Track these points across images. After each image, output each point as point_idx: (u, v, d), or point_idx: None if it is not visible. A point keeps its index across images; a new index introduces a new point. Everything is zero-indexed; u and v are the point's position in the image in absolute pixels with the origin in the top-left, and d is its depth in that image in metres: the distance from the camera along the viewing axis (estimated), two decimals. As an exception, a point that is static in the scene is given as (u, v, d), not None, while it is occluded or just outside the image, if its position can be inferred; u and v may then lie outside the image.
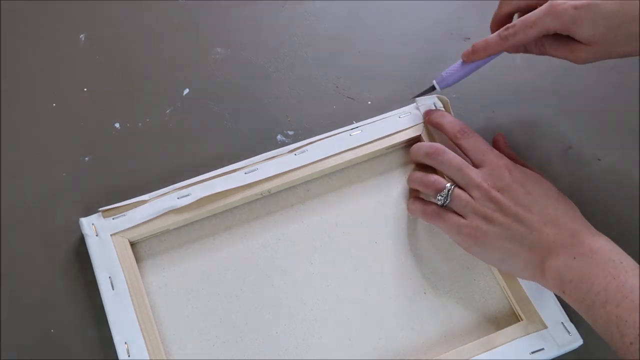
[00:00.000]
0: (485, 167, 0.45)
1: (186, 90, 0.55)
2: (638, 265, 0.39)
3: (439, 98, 0.52)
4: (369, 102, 0.55)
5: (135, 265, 0.45)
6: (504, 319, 0.45)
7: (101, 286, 0.44)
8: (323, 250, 0.48)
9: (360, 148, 0.50)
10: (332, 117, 0.54)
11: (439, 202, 0.46)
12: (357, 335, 0.45)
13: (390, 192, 0.50)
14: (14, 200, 0.49)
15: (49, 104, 0.54)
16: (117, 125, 0.53)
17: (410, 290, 0.46)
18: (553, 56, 0.46)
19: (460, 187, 0.45)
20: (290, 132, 0.53)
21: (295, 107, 0.54)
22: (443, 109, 0.51)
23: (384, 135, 0.50)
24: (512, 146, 0.53)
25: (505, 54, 0.47)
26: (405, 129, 0.51)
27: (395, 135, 0.50)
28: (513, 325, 0.44)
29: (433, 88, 0.50)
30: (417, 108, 0.51)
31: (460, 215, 0.45)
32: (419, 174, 0.48)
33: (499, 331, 0.44)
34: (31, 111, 0.53)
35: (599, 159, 0.52)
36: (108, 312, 0.43)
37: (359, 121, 0.53)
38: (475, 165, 0.46)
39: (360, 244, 0.48)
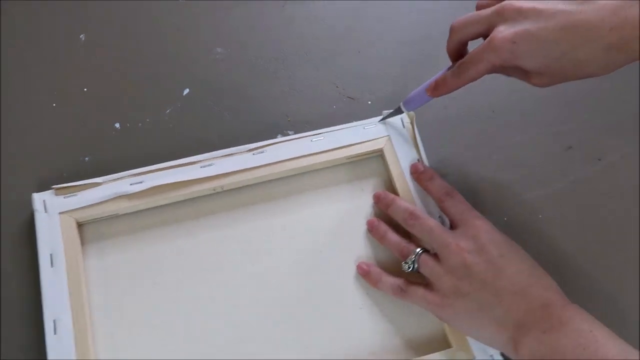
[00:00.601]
0: (461, 227, 0.43)
1: (186, 90, 0.55)
2: (609, 331, 0.38)
3: (408, 115, 0.51)
4: (369, 102, 0.55)
5: (79, 245, 0.46)
6: (434, 343, 0.45)
7: (41, 262, 0.45)
8: (267, 253, 0.47)
9: (319, 155, 0.49)
10: (332, 117, 0.54)
11: (406, 269, 0.45)
12: (286, 341, 0.45)
13: (344, 204, 0.49)
14: (13, 200, 0.49)
15: (49, 104, 0.54)
16: (117, 125, 0.53)
17: (347, 303, 0.46)
18: (519, 79, 0.43)
19: (433, 254, 0.44)
20: (291, 132, 0.53)
21: (295, 107, 0.54)
22: (411, 125, 0.51)
23: (345, 144, 0.50)
24: (512, 146, 0.53)
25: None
26: (368, 141, 0.50)
27: (357, 145, 0.50)
28: (441, 351, 0.44)
29: (400, 110, 0.49)
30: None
31: (429, 283, 0.43)
32: (394, 237, 0.46)
33: (425, 356, 0.43)
34: (31, 111, 0.53)
35: (599, 159, 0.52)
36: (43, 288, 0.44)
37: (359, 121, 0.53)
38: (454, 228, 0.44)
39: (304, 251, 0.48)
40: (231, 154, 0.49)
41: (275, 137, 0.52)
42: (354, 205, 0.49)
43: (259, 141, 0.52)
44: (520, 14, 0.38)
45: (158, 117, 0.53)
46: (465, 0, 0.60)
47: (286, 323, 0.45)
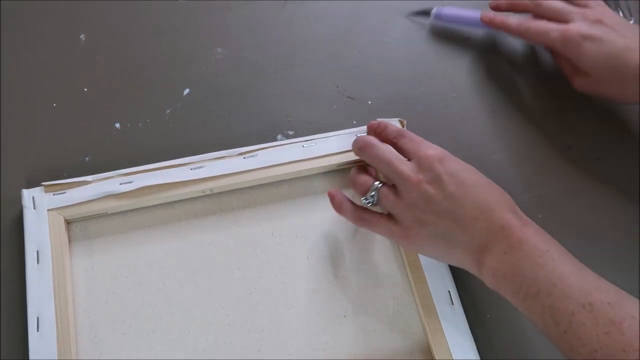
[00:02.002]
0: (415, 158, 0.43)
1: (186, 90, 0.55)
2: (565, 250, 0.39)
3: (399, 121, 0.51)
4: (369, 102, 0.55)
5: (66, 243, 0.46)
6: (417, 354, 0.45)
7: (27, 258, 0.45)
8: (253, 258, 0.47)
9: (311, 161, 0.49)
10: (332, 117, 0.54)
11: (366, 203, 0.44)
12: (268, 347, 0.44)
13: (333, 211, 0.48)
14: (14, 201, 0.49)
15: (49, 104, 0.54)
16: (117, 125, 0.53)
17: (331, 310, 0.46)
18: (560, 67, 0.51)
19: (391, 185, 0.44)
20: (291, 132, 0.53)
21: (295, 107, 0.54)
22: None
23: (337, 151, 0.49)
24: (512, 146, 0.53)
25: (502, 50, 0.48)
26: None
27: (349, 153, 0.49)
28: None
29: (428, 13, 0.56)
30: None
31: (391, 215, 0.43)
32: (352, 173, 0.47)
33: None
34: (31, 111, 0.53)
35: (599, 159, 0.52)
36: (28, 284, 0.44)
37: (359, 121, 0.53)
38: (409, 158, 0.44)
39: (291, 258, 0.47)
40: (222, 157, 0.49)
41: (276, 137, 0.52)
42: None
43: (259, 141, 0.52)
44: (599, 24, 0.48)
45: (158, 117, 0.53)
46: (466, 0, 0.60)
47: (269, 329, 0.45)
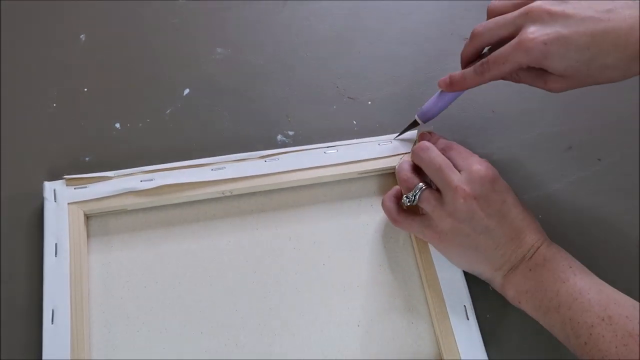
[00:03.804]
0: (465, 171, 0.43)
1: (186, 90, 0.55)
2: (585, 268, 0.41)
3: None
4: (369, 102, 0.55)
5: (85, 236, 0.46)
6: None
7: (45, 250, 0.45)
8: (270, 262, 0.47)
9: (332, 167, 0.49)
10: (332, 117, 0.54)
11: (406, 201, 0.45)
12: (280, 352, 0.44)
13: (353, 219, 0.49)
14: (14, 201, 0.49)
15: (49, 104, 0.54)
16: (117, 125, 0.53)
17: (344, 318, 0.45)
18: (529, 85, 0.45)
19: (435, 190, 0.44)
20: (291, 132, 0.53)
21: (295, 107, 0.54)
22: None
23: (358, 159, 0.49)
24: (512, 146, 0.53)
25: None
26: (381, 158, 0.50)
27: (370, 161, 0.49)
28: None
29: (415, 123, 0.49)
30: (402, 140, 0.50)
31: (428, 217, 0.44)
32: (400, 167, 0.47)
33: None
34: (31, 111, 0.53)
35: (599, 159, 0.52)
36: (45, 276, 0.44)
37: (359, 121, 0.53)
38: (459, 170, 0.44)
39: (307, 263, 0.47)
40: (243, 159, 0.49)
41: (276, 137, 0.52)
42: (362, 222, 0.49)
43: (259, 141, 0.52)
44: (550, 17, 0.39)
45: (158, 117, 0.53)
46: (466, 0, 0.60)
47: (282, 334, 0.45)
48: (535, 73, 0.43)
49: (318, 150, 0.50)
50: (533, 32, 0.40)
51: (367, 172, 0.50)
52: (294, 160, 0.49)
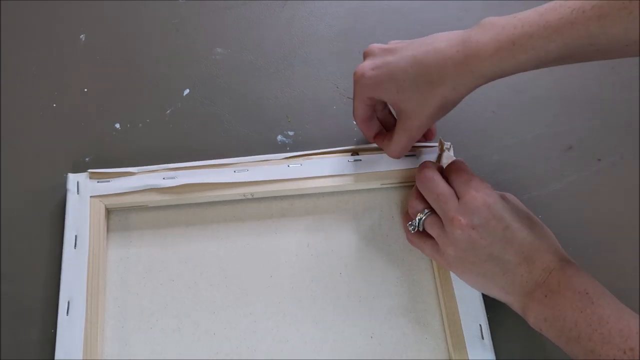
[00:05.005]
0: (463, 199, 0.42)
1: (186, 91, 0.55)
2: (603, 289, 0.39)
3: (439, 140, 0.49)
4: (369, 102, 0.55)
5: (105, 230, 0.46)
6: None
7: (65, 242, 0.45)
8: (286, 267, 0.47)
9: (355, 176, 0.48)
10: (332, 117, 0.54)
11: (411, 229, 0.45)
12: (292, 358, 0.44)
13: (373, 229, 0.48)
14: (14, 201, 0.49)
15: (49, 104, 0.54)
16: (117, 125, 0.53)
17: (358, 329, 0.45)
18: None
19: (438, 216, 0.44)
20: (291, 132, 0.53)
21: (295, 107, 0.54)
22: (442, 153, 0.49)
23: (382, 170, 0.49)
24: (512, 146, 0.53)
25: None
26: (404, 169, 0.49)
27: (393, 172, 0.49)
28: None
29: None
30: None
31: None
32: (412, 191, 0.47)
33: None
34: (31, 111, 0.53)
35: (599, 159, 0.52)
36: (63, 268, 0.44)
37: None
38: (458, 197, 0.43)
39: (324, 271, 0.47)
40: (266, 161, 0.49)
41: (276, 137, 0.52)
42: (382, 232, 0.48)
43: (259, 142, 0.52)
44: (383, 51, 0.44)
45: (158, 117, 0.53)
46: (466, 1, 0.60)
47: (294, 340, 0.45)
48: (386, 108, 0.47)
49: (342, 157, 0.49)
50: (363, 64, 0.44)
51: (390, 183, 0.49)
52: (318, 167, 0.49)
